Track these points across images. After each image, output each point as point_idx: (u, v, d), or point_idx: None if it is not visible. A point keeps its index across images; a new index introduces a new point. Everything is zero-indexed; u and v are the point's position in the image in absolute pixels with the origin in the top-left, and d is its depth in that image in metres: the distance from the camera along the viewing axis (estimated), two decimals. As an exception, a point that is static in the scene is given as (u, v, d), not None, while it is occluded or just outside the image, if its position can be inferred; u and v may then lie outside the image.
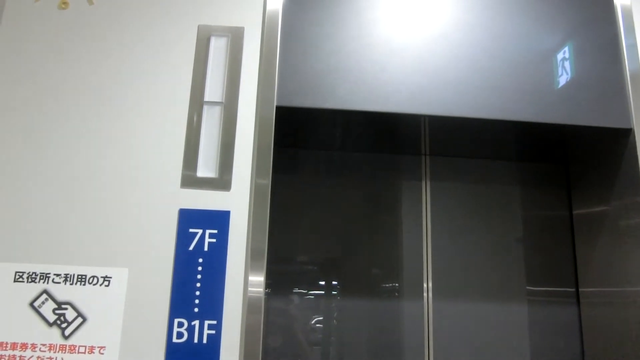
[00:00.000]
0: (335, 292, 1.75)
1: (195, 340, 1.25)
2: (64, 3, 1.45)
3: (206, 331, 1.25)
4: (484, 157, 1.88)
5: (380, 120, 1.57)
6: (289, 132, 1.69)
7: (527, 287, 1.80)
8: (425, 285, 1.74)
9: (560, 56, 1.59)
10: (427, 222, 1.80)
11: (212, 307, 1.27)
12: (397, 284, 1.76)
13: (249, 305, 1.27)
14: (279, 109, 1.43)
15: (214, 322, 1.26)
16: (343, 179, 1.85)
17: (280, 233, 1.73)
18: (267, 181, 1.36)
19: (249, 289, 1.29)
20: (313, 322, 1.72)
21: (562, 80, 1.55)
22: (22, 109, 1.38)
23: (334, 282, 1.76)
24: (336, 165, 1.86)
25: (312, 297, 1.75)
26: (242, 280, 1.29)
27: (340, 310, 1.74)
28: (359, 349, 1.71)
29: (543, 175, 1.90)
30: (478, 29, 1.56)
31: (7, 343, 1.22)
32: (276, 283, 1.71)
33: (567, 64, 1.58)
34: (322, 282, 1.76)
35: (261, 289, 1.29)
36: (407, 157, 1.86)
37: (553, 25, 1.60)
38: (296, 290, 1.75)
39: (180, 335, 1.25)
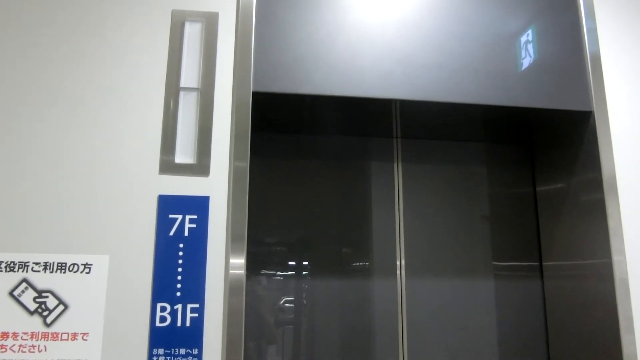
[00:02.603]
0: (308, 273, 1.79)
1: (179, 324, 1.27)
2: (32, -13, 1.42)
3: (189, 314, 1.28)
4: (453, 139, 1.94)
5: (353, 104, 1.60)
6: (263, 117, 1.70)
7: (494, 263, 1.88)
8: (398, 263, 1.81)
9: (523, 39, 1.63)
10: (399, 203, 1.85)
11: (194, 291, 1.29)
12: (371, 263, 1.81)
13: (231, 287, 1.30)
14: (255, 95, 1.45)
15: (197, 305, 1.29)
16: (317, 162, 1.88)
17: (253, 216, 1.75)
18: (246, 165, 1.38)
19: (230, 271, 1.31)
20: (282, 302, 1.76)
21: (525, 62, 1.60)
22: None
23: (307, 263, 1.80)
24: (310, 148, 1.89)
25: (286, 278, 1.79)
26: (223, 264, 1.32)
27: (315, 290, 1.79)
28: (333, 328, 1.76)
29: (509, 156, 1.98)
30: (446, 14, 1.60)
31: (-13, 332, 1.22)
32: (250, 265, 1.74)
33: (530, 47, 1.62)
34: (296, 263, 1.80)
35: (242, 272, 1.32)
36: (380, 140, 1.90)
37: (518, 9, 1.65)
38: (270, 271, 1.78)
39: (163, 319, 1.27)
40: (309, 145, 1.89)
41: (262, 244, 1.78)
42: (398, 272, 1.80)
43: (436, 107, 1.59)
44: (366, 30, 1.54)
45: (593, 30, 1.66)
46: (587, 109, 1.59)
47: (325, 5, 1.54)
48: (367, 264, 1.82)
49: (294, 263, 1.80)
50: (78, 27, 1.42)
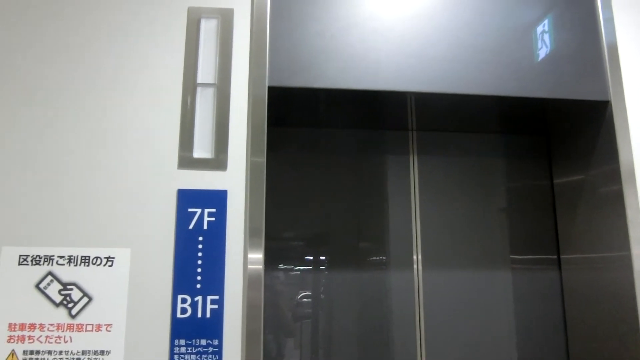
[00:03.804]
0: (325, 267, 1.81)
1: (199, 315, 1.30)
2: (52, -13, 1.45)
3: (209, 306, 1.31)
4: (468, 131, 1.94)
5: (368, 98, 1.61)
6: (280, 111, 1.72)
7: (511, 256, 1.88)
8: (414, 257, 1.81)
9: (540, 29, 1.62)
10: (415, 196, 1.86)
11: (214, 283, 1.32)
12: (387, 257, 1.82)
13: (250, 281, 1.32)
14: (271, 89, 1.46)
15: (216, 297, 1.31)
16: (332, 156, 1.89)
17: (271, 210, 1.77)
18: (263, 159, 1.40)
19: (249, 266, 1.33)
20: (299, 297, 1.78)
21: (542, 53, 1.60)
22: (17, 95, 1.38)
23: (324, 257, 1.81)
24: (325, 142, 1.90)
25: (303, 272, 1.81)
26: (242, 257, 1.34)
27: (332, 284, 1.80)
28: (350, 321, 1.78)
29: (525, 147, 1.97)
30: (461, 5, 1.60)
31: (15, 324, 1.26)
32: (268, 259, 1.76)
33: (546, 37, 1.61)
34: (312, 257, 1.81)
35: (260, 266, 1.34)
36: (395, 133, 1.91)
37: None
38: (287, 265, 1.80)
39: (184, 310, 1.30)
40: (324, 139, 1.90)
41: (279, 238, 1.80)
42: (415, 265, 1.80)
43: (451, 99, 1.59)
44: (380, 23, 1.55)
45: (610, 20, 1.65)
46: (604, 99, 1.58)
47: (339, 0, 1.55)
48: (384, 257, 1.83)
49: (310, 257, 1.82)
50: (98, 26, 1.45)
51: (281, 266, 1.79)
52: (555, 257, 1.87)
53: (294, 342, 1.77)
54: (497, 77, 1.55)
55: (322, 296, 1.79)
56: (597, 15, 1.65)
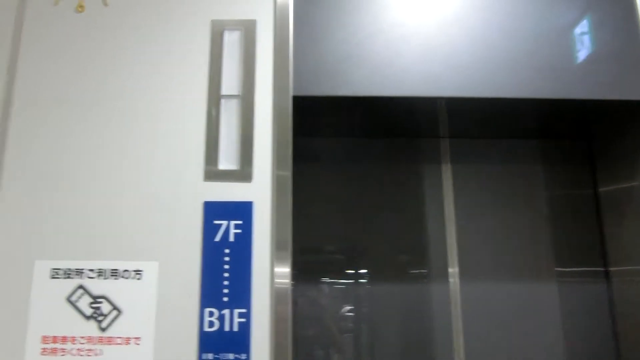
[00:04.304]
0: (359, 280, 1.77)
1: (227, 329, 1.28)
2: (80, 6, 1.49)
3: (236, 319, 1.29)
4: (503, 137, 1.87)
5: (395, 105, 1.57)
6: (308, 121, 1.71)
7: (556, 268, 1.78)
8: (450, 269, 1.75)
9: (578, 30, 1.57)
10: (448, 206, 1.80)
11: (241, 296, 1.30)
12: (422, 269, 1.77)
13: (277, 296, 1.30)
14: (296, 99, 1.45)
15: (244, 310, 1.29)
16: (363, 166, 1.86)
17: (303, 223, 1.75)
18: (288, 172, 1.38)
19: (276, 280, 1.31)
20: (341, 310, 1.75)
21: (582, 55, 1.54)
22: (47, 110, 1.42)
23: (358, 270, 1.78)
24: (356, 151, 1.87)
25: (337, 285, 1.78)
26: (269, 269, 1.32)
27: (367, 297, 1.76)
28: (389, 335, 1.73)
29: (565, 152, 1.88)
30: (493, 8, 1.55)
31: (48, 337, 1.28)
32: (302, 273, 1.74)
33: (585, 38, 1.56)
34: (346, 270, 1.78)
35: (287, 280, 1.31)
36: (426, 141, 1.86)
37: (570, 1, 1.58)
38: (322, 279, 1.77)
39: (211, 324, 1.29)
40: (352, 149, 1.87)
41: (307, 251, 1.78)
42: (451, 279, 1.74)
43: (484, 103, 1.53)
44: (406, 28, 1.52)
45: (651, 17, 1.56)
46: (649, 98, 1.49)
47: (363, 6, 1.52)
48: (419, 270, 1.77)
49: (341, 270, 1.78)
50: (125, 42, 1.48)
51: (313, 279, 1.76)
52: (602, 269, 1.76)
53: (330, 356, 1.73)
54: (534, 79, 1.49)
55: (355, 308, 1.75)
56: (636, 13, 1.57)
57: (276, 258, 1.32)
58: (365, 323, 1.75)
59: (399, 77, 1.48)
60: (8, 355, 1.27)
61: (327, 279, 1.77)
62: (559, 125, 1.83)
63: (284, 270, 1.32)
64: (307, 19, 1.50)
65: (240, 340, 1.28)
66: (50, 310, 1.30)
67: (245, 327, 1.29)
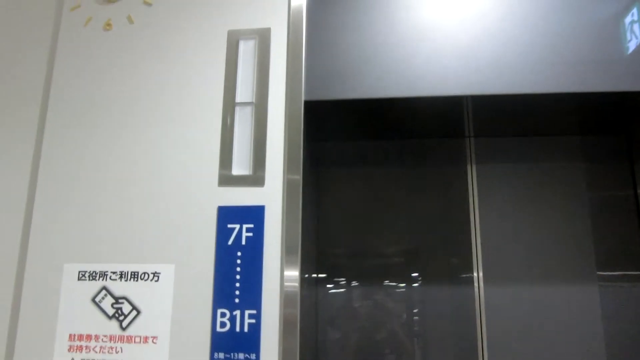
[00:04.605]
0: (378, 281, 1.75)
1: (237, 329, 1.31)
2: (108, 25, 1.59)
3: (247, 320, 1.32)
4: (530, 135, 1.79)
5: (414, 106, 1.55)
6: (326, 126, 1.72)
7: (599, 273, 1.68)
8: (475, 274, 1.69)
9: (628, 19, 1.48)
10: (474, 207, 1.74)
11: (252, 298, 1.33)
12: (445, 272, 1.72)
13: (285, 299, 1.32)
14: (308, 104, 1.47)
15: (254, 311, 1.32)
16: (385, 168, 1.84)
17: (328, 227, 1.77)
18: (299, 176, 1.40)
19: (285, 284, 1.33)
20: (362, 313, 1.74)
21: (632, 45, 1.45)
22: (77, 121, 1.53)
23: (376, 272, 1.76)
24: (377, 154, 1.86)
25: (354, 287, 1.76)
26: (278, 272, 1.34)
27: (386, 299, 1.74)
28: (404, 339, 1.70)
29: (601, 149, 1.77)
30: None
31: (74, 335, 1.37)
32: (327, 276, 1.75)
33: (636, 27, 1.47)
34: (364, 272, 1.76)
35: (296, 284, 1.33)
36: (450, 141, 1.82)
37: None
38: (341, 280, 1.77)
39: (223, 324, 1.32)
40: (374, 152, 1.86)
41: (331, 255, 1.78)
42: (475, 284, 1.69)
43: (516, 100, 1.48)
44: (422, 27, 1.50)
45: None
46: None
47: (377, 8, 1.52)
48: (443, 272, 1.73)
49: (361, 272, 1.77)
50: (148, 56, 1.55)
51: (334, 281, 1.76)
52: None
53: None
54: (580, 73, 1.42)
55: (375, 311, 1.73)
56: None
57: (286, 262, 1.34)
58: (377, 325, 1.72)
59: (414, 77, 1.46)
60: (39, 351, 1.37)
61: (341, 280, 1.76)
62: (595, 121, 1.73)
63: (293, 274, 1.33)
64: (321, 23, 1.51)
65: (250, 341, 1.30)
66: (77, 310, 1.38)
67: (255, 328, 1.31)
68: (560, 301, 1.67)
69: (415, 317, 1.72)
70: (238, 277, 1.35)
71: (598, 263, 1.69)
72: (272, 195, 1.40)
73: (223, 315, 1.33)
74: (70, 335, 1.37)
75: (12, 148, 1.52)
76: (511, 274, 1.69)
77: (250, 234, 1.37)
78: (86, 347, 1.36)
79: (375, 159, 1.86)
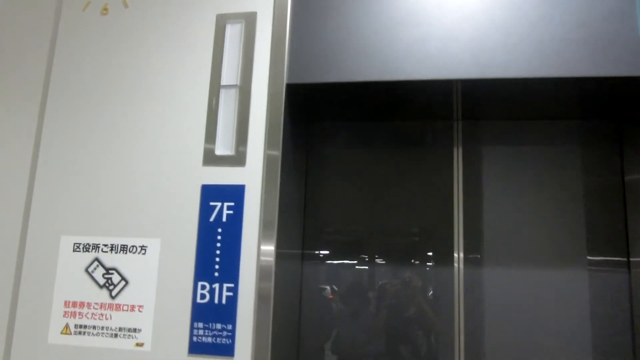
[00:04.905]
0: (367, 262, 1.80)
1: (216, 301, 1.40)
2: (105, 9, 1.66)
3: (225, 293, 1.40)
4: (516, 119, 1.79)
5: (397, 88, 1.57)
6: (316, 107, 1.76)
7: (588, 257, 1.69)
8: (456, 255, 1.73)
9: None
10: (458, 189, 1.77)
11: (230, 272, 1.41)
12: (428, 254, 1.76)
13: (261, 272, 1.39)
14: (294, 86, 1.51)
15: (232, 285, 1.40)
16: (373, 149, 1.88)
17: (315, 204, 1.82)
18: (278, 152, 1.45)
19: (261, 257, 1.40)
20: (345, 290, 1.79)
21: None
22: (76, 102, 1.61)
23: (366, 253, 1.81)
24: (365, 136, 1.89)
25: (341, 266, 1.82)
26: (256, 248, 1.41)
27: (375, 279, 1.79)
28: (393, 319, 1.76)
29: (589, 134, 1.76)
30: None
31: (69, 302, 1.48)
32: (313, 252, 1.81)
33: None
34: (356, 253, 1.81)
35: (272, 258, 1.39)
36: (437, 123, 1.83)
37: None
38: (324, 260, 1.82)
39: (203, 296, 1.41)
40: (362, 134, 1.89)
41: (319, 234, 1.84)
42: (456, 264, 1.72)
43: (505, 84, 1.48)
44: (407, 10, 1.51)
45: None
46: None
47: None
48: (425, 254, 1.77)
49: (346, 249, 1.82)
50: (141, 39, 1.62)
51: (320, 259, 1.83)
52: (625, 259, 1.65)
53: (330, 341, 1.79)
54: (589, 57, 1.40)
55: (359, 291, 1.79)
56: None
57: (263, 237, 1.41)
58: (364, 304, 1.78)
59: (399, 60, 1.47)
60: (38, 317, 1.48)
61: (325, 260, 1.82)
62: (589, 106, 1.71)
63: (269, 248, 1.40)
64: (306, 8, 1.54)
65: (227, 312, 1.38)
66: (72, 278, 1.49)
67: (232, 301, 1.39)
68: (548, 285, 1.69)
69: (395, 295, 1.76)
70: (218, 252, 1.43)
71: (588, 248, 1.70)
72: (252, 175, 1.46)
73: (203, 287, 1.41)
74: (65, 302, 1.48)
75: (14, 130, 1.62)
76: (492, 257, 1.72)
77: (231, 212, 1.44)
78: (79, 313, 1.46)
79: (364, 140, 1.89)
